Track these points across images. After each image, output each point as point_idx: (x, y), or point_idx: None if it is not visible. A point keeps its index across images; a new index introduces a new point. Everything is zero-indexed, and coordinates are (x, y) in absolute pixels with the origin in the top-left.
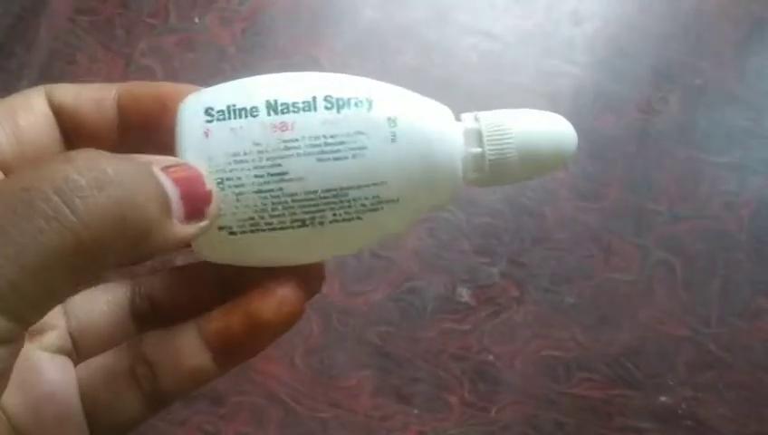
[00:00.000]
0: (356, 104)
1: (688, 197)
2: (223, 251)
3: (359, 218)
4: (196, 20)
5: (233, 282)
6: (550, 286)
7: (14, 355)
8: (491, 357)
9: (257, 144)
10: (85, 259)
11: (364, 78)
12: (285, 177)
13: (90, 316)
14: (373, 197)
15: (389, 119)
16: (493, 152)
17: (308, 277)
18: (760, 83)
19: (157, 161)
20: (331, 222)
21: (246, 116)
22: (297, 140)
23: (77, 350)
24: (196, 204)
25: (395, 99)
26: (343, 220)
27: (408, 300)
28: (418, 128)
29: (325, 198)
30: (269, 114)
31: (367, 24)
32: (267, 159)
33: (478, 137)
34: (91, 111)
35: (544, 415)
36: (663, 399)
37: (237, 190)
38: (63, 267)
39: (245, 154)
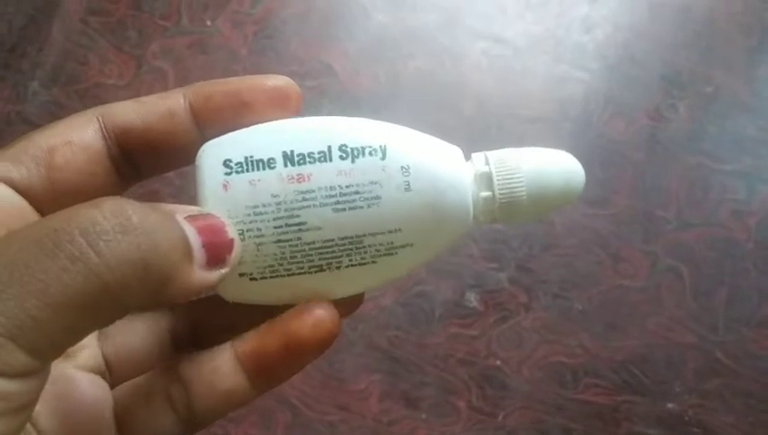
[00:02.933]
0: (370, 153)
1: (697, 204)
2: (244, 294)
3: (374, 262)
4: (209, 22)
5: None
6: (558, 292)
7: (35, 390)
8: (499, 362)
9: (275, 196)
10: (107, 301)
11: (378, 122)
12: (303, 227)
13: (128, 340)
14: (388, 243)
15: (403, 168)
16: (503, 196)
17: (345, 300)
18: None
19: (181, 211)
20: (347, 266)
21: (264, 168)
22: (314, 190)
23: (111, 372)
24: (218, 252)
25: (408, 145)
26: (359, 265)
27: (416, 305)
28: (431, 175)
29: (341, 245)
30: (286, 165)
31: (378, 29)
32: (285, 211)
33: (488, 180)
34: (166, 125)
35: (552, 420)
36: (670, 405)
37: (258, 241)
38: (85, 307)
39: (264, 206)
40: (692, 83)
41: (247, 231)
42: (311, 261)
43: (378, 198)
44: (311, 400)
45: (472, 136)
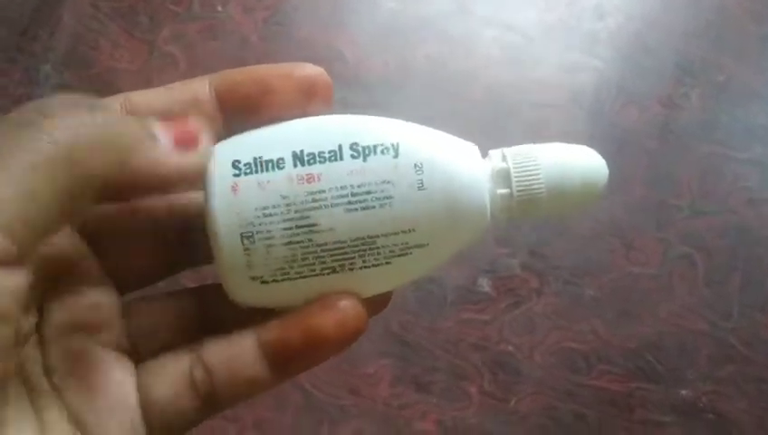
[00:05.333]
0: (382, 151)
1: (710, 192)
2: (256, 297)
3: (388, 263)
4: (219, 8)
5: None
6: (570, 279)
7: (19, 284)
8: (510, 348)
9: (285, 197)
10: (62, 164)
11: (390, 119)
12: (314, 228)
13: (152, 320)
14: (402, 243)
15: (416, 165)
16: (521, 192)
17: (373, 298)
18: None
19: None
20: (360, 268)
21: (273, 169)
22: (324, 191)
23: (136, 352)
24: (183, 134)
25: (421, 143)
26: (372, 266)
27: (428, 289)
28: (445, 173)
29: (354, 246)
30: (295, 166)
31: (388, 15)
32: (296, 212)
33: (506, 177)
34: (191, 113)
35: (564, 407)
36: (683, 392)
37: (267, 242)
38: (41, 171)
39: (274, 208)
40: (704, 72)
41: (257, 233)
42: (323, 263)
43: (390, 197)
44: (322, 383)
45: (483, 124)
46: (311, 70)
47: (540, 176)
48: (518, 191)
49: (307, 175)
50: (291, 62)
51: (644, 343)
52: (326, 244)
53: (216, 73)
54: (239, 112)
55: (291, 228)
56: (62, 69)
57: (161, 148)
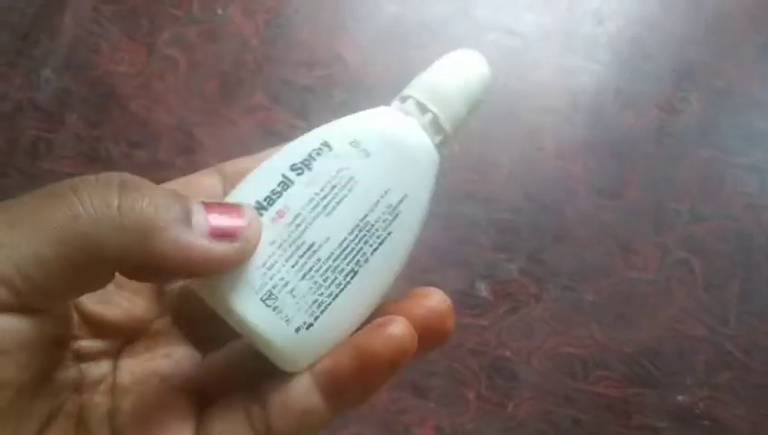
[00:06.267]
0: (318, 153)
1: (709, 197)
2: (321, 345)
3: (390, 233)
4: (220, 11)
5: None
6: (568, 284)
7: (19, 328)
8: (508, 353)
9: (273, 242)
10: (78, 242)
11: (312, 130)
12: (314, 247)
13: (223, 367)
14: (387, 207)
15: (351, 143)
16: (440, 111)
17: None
18: None
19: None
20: (372, 253)
21: None
22: (298, 215)
23: (207, 397)
24: (228, 221)
25: (341, 126)
26: (380, 244)
27: None
28: (376, 131)
29: (354, 236)
30: (264, 211)
31: (389, 19)
32: (289, 247)
33: (421, 107)
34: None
35: (561, 412)
36: (680, 398)
37: (288, 289)
38: (56, 246)
39: (270, 257)
40: (703, 77)
41: (274, 288)
42: (342, 270)
43: (351, 178)
44: None
45: (481, 127)
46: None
47: (453, 103)
48: (437, 111)
49: (277, 212)
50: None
51: (641, 348)
52: (333, 252)
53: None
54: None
55: (296, 263)
56: (62, 72)
57: (194, 233)
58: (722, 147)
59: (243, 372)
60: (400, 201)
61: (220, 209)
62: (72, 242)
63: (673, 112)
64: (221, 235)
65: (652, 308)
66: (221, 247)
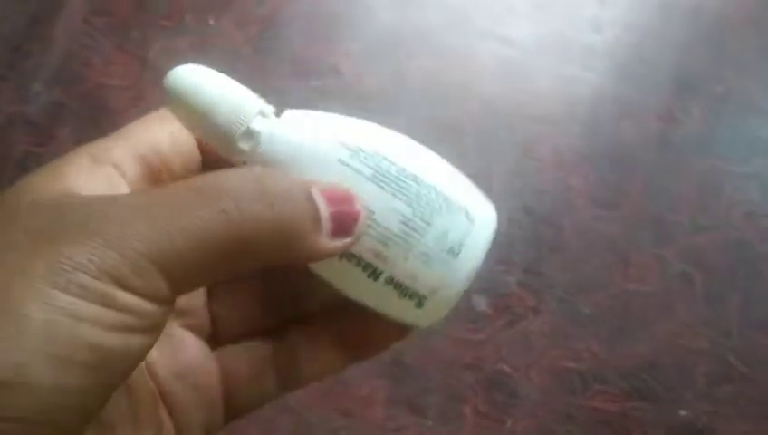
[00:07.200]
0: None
1: (709, 207)
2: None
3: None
4: (211, 22)
5: None
6: (566, 297)
7: (165, 315)
8: (506, 367)
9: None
10: (240, 250)
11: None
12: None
13: (235, 302)
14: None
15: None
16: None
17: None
18: None
19: (314, 184)
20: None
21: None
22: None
23: (217, 334)
24: (344, 222)
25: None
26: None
27: None
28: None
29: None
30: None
31: (383, 28)
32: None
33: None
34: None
35: (560, 428)
36: (682, 413)
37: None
38: (222, 252)
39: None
40: (703, 84)
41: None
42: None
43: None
44: (313, 406)
45: (478, 137)
46: None
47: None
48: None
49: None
50: None
51: (641, 361)
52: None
53: None
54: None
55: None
56: (53, 85)
57: (323, 241)
58: (721, 155)
59: (258, 319)
60: None
61: (337, 199)
62: (230, 251)
63: (672, 121)
64: (341, 232)
65: (651, 321)
66: (340, 245)
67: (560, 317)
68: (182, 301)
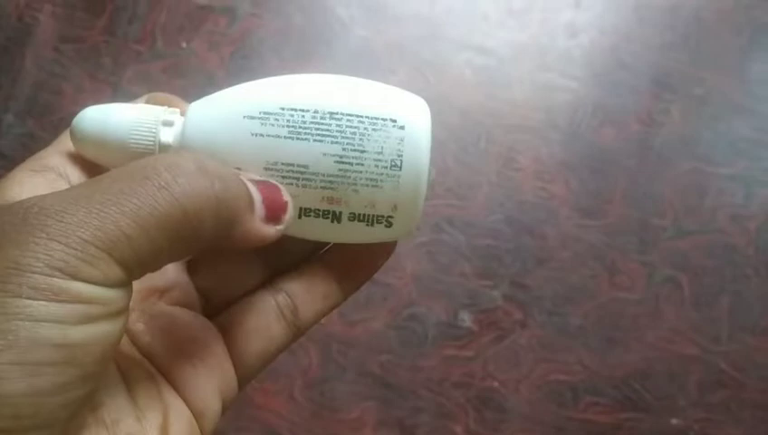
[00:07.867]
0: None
1: (693, 210)
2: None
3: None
4: (184, 45)
5: None
6: (554, 308)
7: (126, 298)
8: (496, 383)
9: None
10: (186, 229)
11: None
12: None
13: (221, 271)
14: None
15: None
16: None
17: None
18: (764, 91)
19: (244, 173)
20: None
21: None
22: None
23: (209, 302)
24: (275, 209)
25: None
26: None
27: (408, 327)
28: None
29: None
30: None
31: (358, 44)
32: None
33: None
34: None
35: None
36: (674, 421)
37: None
38: (168, 231)
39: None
40: (683, 86)
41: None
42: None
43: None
44: (303, 431)
45: (458, 148)
46: None
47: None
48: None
49: None
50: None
51: (631, 371)
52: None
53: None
54: None
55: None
56: (24, 116)
57: (257, 224)
58: (704, 158)
59: (248, 277)
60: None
61: (265, 187)
62: (174, 222)
63: (653, 124)
64: (273, 218)
65: (641, 329)
66: (272, 231)
67: (548, 330)
68: (161, 280)
